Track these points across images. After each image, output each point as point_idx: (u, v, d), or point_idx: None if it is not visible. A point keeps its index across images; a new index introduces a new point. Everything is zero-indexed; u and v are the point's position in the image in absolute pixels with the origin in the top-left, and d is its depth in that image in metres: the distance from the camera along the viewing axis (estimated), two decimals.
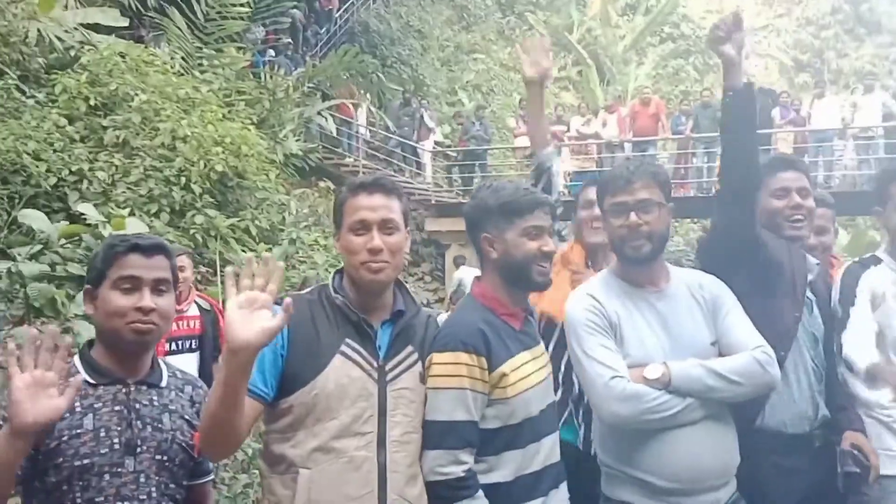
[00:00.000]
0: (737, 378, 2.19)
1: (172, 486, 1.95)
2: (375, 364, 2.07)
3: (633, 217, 2.27)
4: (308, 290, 2.27)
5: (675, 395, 2.18)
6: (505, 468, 2.15)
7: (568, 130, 14.66)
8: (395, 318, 2.15)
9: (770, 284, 2.54)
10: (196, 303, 5.06)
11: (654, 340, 2.27)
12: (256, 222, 9.67)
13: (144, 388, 1.96)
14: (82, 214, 7.37)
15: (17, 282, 5.82)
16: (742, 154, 2.51)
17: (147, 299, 1.92)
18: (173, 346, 4.74)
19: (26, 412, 1.66)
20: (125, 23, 11.25)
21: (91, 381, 1.91)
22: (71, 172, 8.35)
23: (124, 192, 8.51)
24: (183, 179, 8.91)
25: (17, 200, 7.65)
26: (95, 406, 1.88)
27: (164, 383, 2.01)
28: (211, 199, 9.20)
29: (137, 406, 1.92)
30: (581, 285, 2.46)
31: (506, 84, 22.61)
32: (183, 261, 4.86)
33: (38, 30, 9.75)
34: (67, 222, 6.99)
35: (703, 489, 2.22)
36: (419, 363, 2.14)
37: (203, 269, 8.55)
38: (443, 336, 2.18)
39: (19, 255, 6.19)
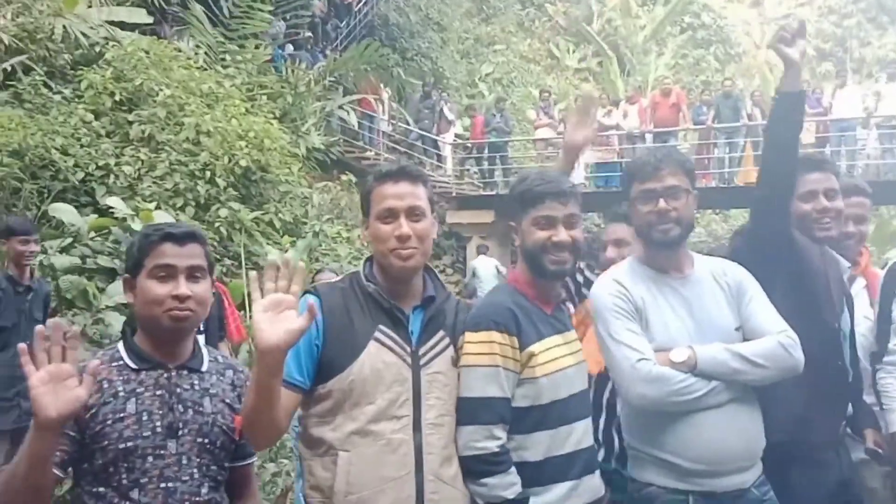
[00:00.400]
0: (762, 361, 2.22)
1: (214, 467, 2.00)
2: (409, 349, 2.12)
3: (662, 203, 2.31)
4: (339, 278, 2.33)
5: (701, 378, 2.22)
6: (534, 448, 2.20)
7: None
8: (425, 304, 2.20)
9: (807, 291, 2.56)
10: None
11: (679, 325, 2.31)
12: (280, 215, 9.77)
13: (185, 372, 2.02)
14: (110, 208, 7.51)
15: (49, 274, 5.95)
16: (784, 158, 2.53)
17: (182, 287, 1.96)
18: None
19: (48, 407, 1.70)
20: (150, 20, 11.35)
21: (134, 366, 1.97)
22: (98, 167, 8.48)
23: (150, 186, 8.63)
24: (208, 173, 9.02)
25: (45, 195, 7.79)
26: (138, 391, 1.94)
27: (204, 368, 2.06)
28: (235, 193, 9.30)
29: (179, 390, 1.98)
30: (607, 271, 2.49)
31: (525, 76, 22.55)
32: None
33: (64, 26, 9.87)
34: (96, 216, 7.10)
35: (728, 471, 2.26)
36: (450, 347, 2.19)
37: (228, 261, 8.66)
38: (475, 316, 2.25)
39: (51, 248, 6.32)
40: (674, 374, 2.21)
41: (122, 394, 1.93)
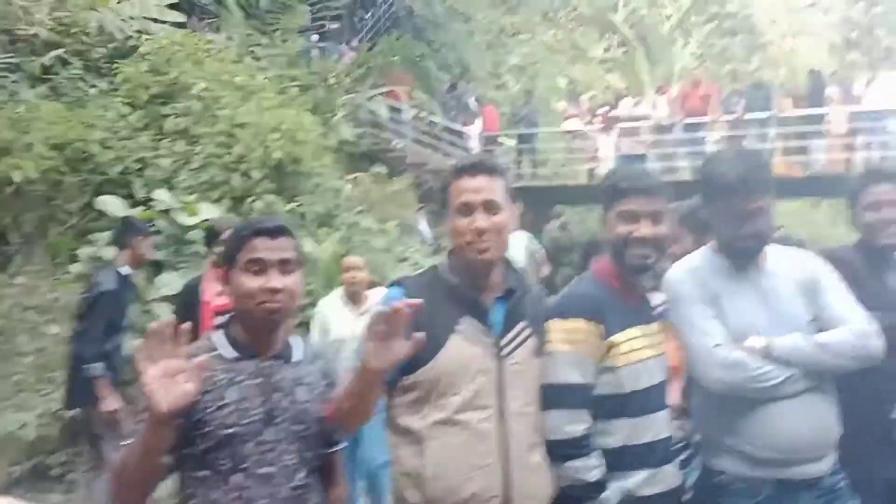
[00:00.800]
0: (839, 350, 2.25)
1: (308, 454, 2.06)
2: (491, 340, 2.18)
3: (749, 227, 2.32)
4: (420, 272, 2.38)
5: (778, 367, 2.25)
6: (614, 435, 2.25)
7: (611, 111, 14.57)
8: (506, 296, 2.24)
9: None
10: None
11: (754, 316, 2.34)
12: (313, 207, 9.82)
13: (280, 362, 2.07)
14: (149, 200, 7.60)
15: (98, 266, 6.05)
16: None
17: (274, 280, 2.01)
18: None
19: (161, 402, 1.75)
20: (182, 18, 11.40)
21: (231, 355, 2.03)
22: (135, 160, 8.56)
23: (186, 178, 8.69)
24: (243, 166, 9.07)
25: (85, 187, 7.89)
26: (237, 379, 2.00)
27: (296, 357, 2.12)
28: (269, 185, 9.36)
29: (274, 379, 2.04)
30: (681, 260, 2.52)
31: (550, 67, 22.46)
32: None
33: (98, 20, 9.98)
34: (142, 208, 7.20)
35: (802, 461, 2.29)
36: (532, 338, 2.24)
37: None
38: (560, 305, 2.32)
39: (99, 240, 6.41)
40: (752, 360, 2.25)
41: (222, 382, 1.99)
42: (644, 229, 2.28)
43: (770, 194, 2.35)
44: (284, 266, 2.05)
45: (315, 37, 14.98)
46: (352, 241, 9.84)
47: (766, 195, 2.33)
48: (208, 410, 1.95)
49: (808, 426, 2.28)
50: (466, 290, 2.20)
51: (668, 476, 2.33)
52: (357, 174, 12.31)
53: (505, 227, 2.21)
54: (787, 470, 2.28)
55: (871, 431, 2.57)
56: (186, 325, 1.86)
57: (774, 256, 2.45)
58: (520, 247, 12.54)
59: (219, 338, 2.08)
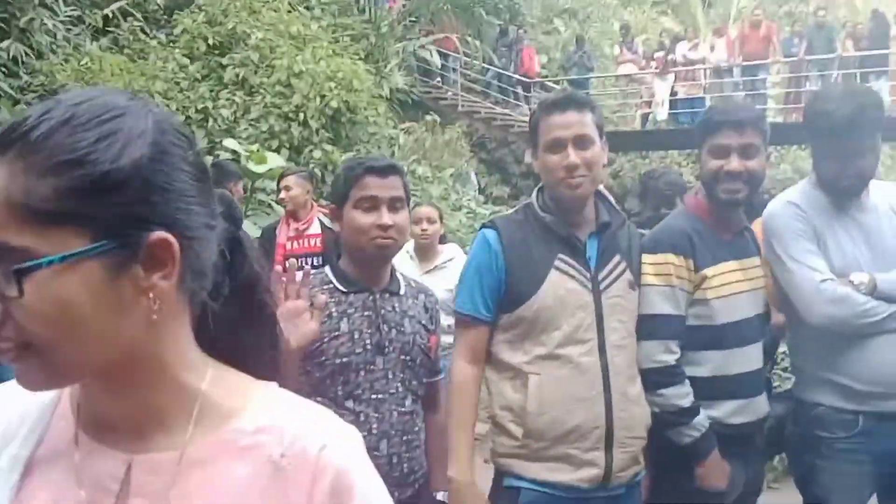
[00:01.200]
0: None
1: (414, 382, 2.16)
2: (588, 275, 2.20)
3: (855, 166, 2.28)
4: (513, 210, 2.41)
5: (883, 302, 2.24)
6: (704, 365, 2.31)
7: (668, 54, 14.26)
8: (601, 230, 2.26)
9: None
10: (319, 220, 5.05)
11: (856, 252, 2.32)
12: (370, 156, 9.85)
13: (387, 295, 2.16)
14: (213, 150, 7.76)
15: None
16: None
17: (385, 217, 2.09)
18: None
19: (288, 341, 1.83)
20: None
21: (343, 289, 2.12)
22: (197, 111, 8.71)
23: (246, 128, 8.82)
24: (301, 115, 9.15)
25: None
26: (349, 312, 2.10)
27: (402, 291, 2.20)
28: (326, 134, 9.44)
29: (383, 311, 2.12)
30: (780, 194, 2.51)
31: (602, 11, 21.96)
32: (287, 181, 4.99)
33: None
34: (210, 157, 7.35)
35: None
36: (627, 271, 2.26)
37: (325, 202, 8.83)
38: (653, 239, 2.36)
39: None
40: (858, 295, 2.24)
41: (335, 314, 2.08)
42: (734, 163, 2.29)
43: (878, 133, 2.30)
44: (394, 203, 2.12)
45: None
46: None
47: (874, 135, 2.28)
48: (324, 340, 2.04)
49: None
50: (561, 226, 2.22)
51: (758, 407, 2.39)
52: (410, 123, 12.31)
53: (597, 162, 2.20)
54: (886, 403, 2.28)
55: None
56: (307, 268, 1.95)
57: (876, 191, 2.41)
58: None
59: (329, 271, 2.16)
